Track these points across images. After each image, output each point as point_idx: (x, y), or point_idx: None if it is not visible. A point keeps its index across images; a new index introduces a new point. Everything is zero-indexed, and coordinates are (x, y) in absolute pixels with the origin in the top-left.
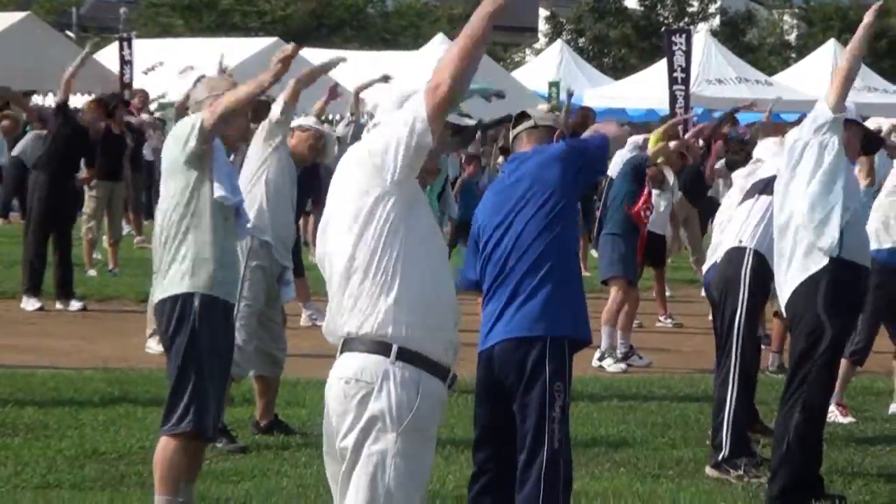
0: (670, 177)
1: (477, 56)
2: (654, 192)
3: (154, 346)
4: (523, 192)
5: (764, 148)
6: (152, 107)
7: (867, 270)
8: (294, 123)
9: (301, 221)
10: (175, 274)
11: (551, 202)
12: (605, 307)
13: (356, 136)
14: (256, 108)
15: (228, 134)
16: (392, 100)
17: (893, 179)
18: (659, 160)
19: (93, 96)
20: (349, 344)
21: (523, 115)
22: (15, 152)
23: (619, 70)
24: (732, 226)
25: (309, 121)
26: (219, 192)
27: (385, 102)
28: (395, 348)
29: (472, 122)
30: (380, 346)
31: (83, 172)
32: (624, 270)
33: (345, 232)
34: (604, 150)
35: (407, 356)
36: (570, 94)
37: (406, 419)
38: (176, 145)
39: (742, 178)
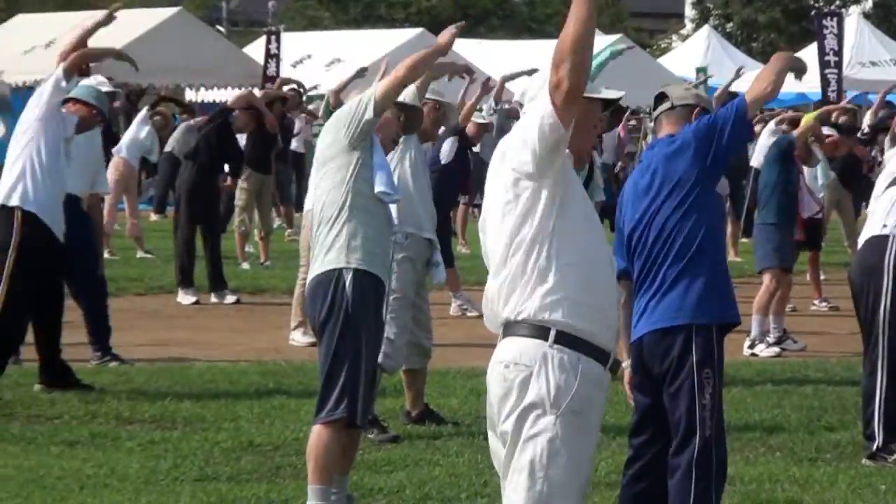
0: (818, 153)
1: (589, 38)
2: (805, 168)
3: (299, 337)
4: (656, 185)
5: None
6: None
7: None
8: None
9: (451, 212)
10: (329, 252)
11: (683, 192)
12: (758, 295)
13: (500, 126)
14: (409, 116)
15: (382, 137)
16: (537, 87)
17: None
18: (809, 139)
19: (243, 90)
20: (509, 329)
21: (661, 97)
22: (168, 148)
23: (768, 55)
24: (876, 213)
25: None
26: (379, 187)
27: (531, 90)
28: (553, 332)
29: (620, 94)
30: (538, 330)
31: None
32: (780, 261)
33: (501, 221)
34: (739, 116)
35: (565, 339)
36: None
37: (564, 402)
38: (339, 127)
39: (890, 161)
